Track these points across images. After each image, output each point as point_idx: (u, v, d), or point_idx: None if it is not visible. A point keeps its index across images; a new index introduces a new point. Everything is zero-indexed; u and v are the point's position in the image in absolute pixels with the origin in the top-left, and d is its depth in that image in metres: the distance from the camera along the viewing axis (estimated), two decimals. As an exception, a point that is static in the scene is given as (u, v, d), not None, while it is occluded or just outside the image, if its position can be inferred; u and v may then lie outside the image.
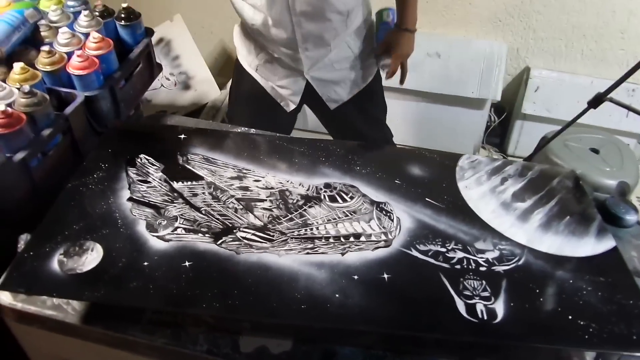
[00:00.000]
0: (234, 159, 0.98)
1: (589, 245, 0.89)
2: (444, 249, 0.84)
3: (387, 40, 1.40)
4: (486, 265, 0.82)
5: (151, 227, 0.80)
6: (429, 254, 0.83)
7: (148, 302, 0.71)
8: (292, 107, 1.46)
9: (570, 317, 0.75)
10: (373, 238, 0.84)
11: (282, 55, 1.36)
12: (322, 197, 0.91)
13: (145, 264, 0.74)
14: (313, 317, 0.71)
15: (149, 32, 1.27)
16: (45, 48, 1.04)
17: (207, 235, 0.80)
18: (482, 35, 2.40)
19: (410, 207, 0.92)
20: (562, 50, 2.37)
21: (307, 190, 0.92)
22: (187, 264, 0.75)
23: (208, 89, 2.02)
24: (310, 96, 1.45)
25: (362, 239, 0.84)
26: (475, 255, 0.83)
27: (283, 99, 1.45)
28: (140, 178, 0.91)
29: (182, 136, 1.03)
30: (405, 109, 2.45)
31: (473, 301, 0.76)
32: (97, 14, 1.19)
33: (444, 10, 2.37)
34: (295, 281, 0.75)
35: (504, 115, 2.55)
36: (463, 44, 2.36)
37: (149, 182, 0.90)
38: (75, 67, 1.04)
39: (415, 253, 0.82)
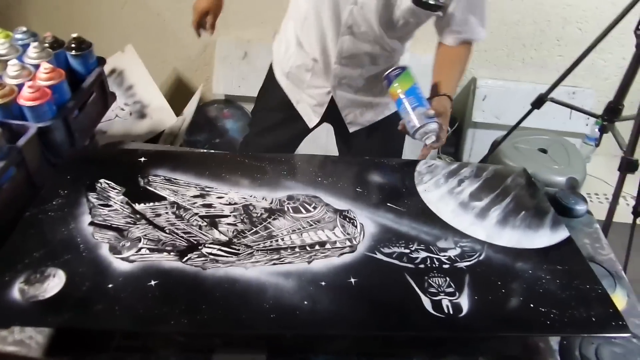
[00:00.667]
0: (196, 178, 0.98)
1: (545, 237, 0.93)
2: (407, 250, 0.86)
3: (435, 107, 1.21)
4: (449, 262, 0.85)
5: (114, 250, 0.79)
6: (394, 256, 0.85)
7: (115, 324, 0.70)
8: (315, 121, 1.44)
9: (531, 305, 0.78)
10: (338, 245, 0.86)
11: (316, 60, 1.34)
12: (286, 209, 0.92)
13: (110, 285, 0.73)
14: (283, 325, 0.72)
15: (101, 61, 1.27)
16: (-6, 81, 1.03)
17: (172, 253, 0.80)
18: (429, 50, 2.49)
19: (372, 212, 0.94)
20: (505, 60, 2.49)
21: (271, 203, 0.93)
22: (152, 283, 0.74)
23: (164, 117, 2.02)
24: (332, 114, 1.42)
25: (328, 246, 0.85)
26: (437, 254, 0.86)
27: (306, 113, 1.44)
28: (101, 202, 0.90)
29: (142, 159, 1.02)
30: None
31: (438, 297, 0.78)
32: (46, 45, 1.18)
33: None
34: (263, 292, 0.75)
35: (456, 124, 2.64)
36: (412, 58, 2.44)
37: (110, 205, 0.89)
38: (26, 98, 1.02)
39: (380, 256, 0.84)
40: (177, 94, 2.57)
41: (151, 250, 0.80)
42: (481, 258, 0.87)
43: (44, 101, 1.04)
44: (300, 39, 1.34)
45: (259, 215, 0.90)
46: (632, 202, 1.75)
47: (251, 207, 0.91)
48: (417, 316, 0.75)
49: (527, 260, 0.87)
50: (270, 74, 1.48)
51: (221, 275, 0.77)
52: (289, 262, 0.81)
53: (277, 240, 0.85)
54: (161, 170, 0.99)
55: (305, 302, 0.74)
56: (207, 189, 0.95)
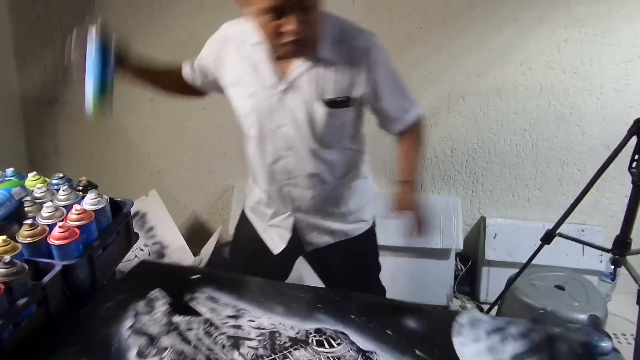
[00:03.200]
0: (236, 299, 1.04)
1: None
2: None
3: (396, 198, 1.35)
4: None
5: (141, 354, 0.85)
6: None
7: None
8: (280, 248, 1.48)
9: None
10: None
11: (268, 201, 1.45)
12: (310, 340, 0.92)
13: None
14: None
15: (127, 202, 1.35)
16: (28, 222, 1.09)
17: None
18: (436, 191, 2.61)
19: (397, 358, 0.92)
20: (511, 200, 2.58)
21: (297, 333, 0.94)
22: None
23: (183, 257, 2.06)
24: (295, 239, 1.47)
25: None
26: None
27: (272, 240, 1.50)
28: (146, 310, 0.97)
29: (195, 276, 1.11)
30: (375, 264, 2.52)
31: None
32: (80, 188, 1.28)
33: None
34: None
35: (470, 263, 2.64)
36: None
37: (152, 314, 0.96)
38: (56, 237, 1.08)
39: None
40: (196, 235, 2.66)
41: (172, 361, 0.82)
42: None
43: (72, 240, 1.09)
44: (254, 175, 1.47)
45: (282, 343, 0.91)
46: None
47: (277, 334, 0.93)
48: None
49: None
50: (242, 212, 1.60)
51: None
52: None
53: (291, 371, 0.84)
54: (208, 289, 1.07)
55: None
56: (242, 311, 1.00)
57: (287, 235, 1.47)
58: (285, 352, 0.88)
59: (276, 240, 1.50)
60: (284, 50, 1.18)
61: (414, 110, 1.37)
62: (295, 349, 0.90)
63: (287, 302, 1.04)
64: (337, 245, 1.49)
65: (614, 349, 1.13)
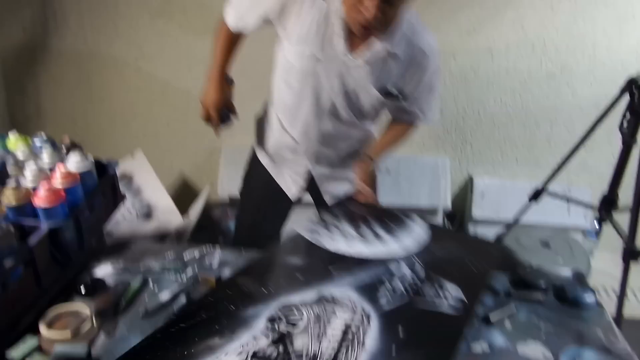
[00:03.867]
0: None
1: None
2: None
3: (356, 169, 1.44)
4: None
5: None
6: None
7: None
8: (294, 192, 1.56)
9: None
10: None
11: (297, 141, 1.47)
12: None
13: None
14: None
15: (113, 163, 1.33)
16: (12, 184, 1.07)
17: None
18: (426, 151, 2.60)
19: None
20: (499, 159, 2.59)
21: None
22: None
23: (171, 218, 2.05)
24: (312, 188, 1.56)
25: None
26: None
27: (286, 185, 1.56)
28: None
29: None
30: (364, 224, 2.54)
31: None
32: (64, 149, 1.25)
33: (388, 132, 2.58)
34: None
35: (457, 221, 2.67)
36: (409, 160, 2.55)
37: None
38: (41, 199, 1.06)
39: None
40: (183, 196, 2.64)
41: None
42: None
43: (58, 203, 1.07)
44: (283, 123, 1.48)
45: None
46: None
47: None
48: None
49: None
50: (253, 156, 1.62)
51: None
52: None
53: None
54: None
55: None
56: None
57: (301, 182, 1.54)
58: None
59: (290, 185, 1.56)
60: (356, 29, 1.21)
61: (428, 116, 1.46)
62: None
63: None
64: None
65: (598, 303, 1.16)
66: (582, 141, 1.75)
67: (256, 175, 1.62)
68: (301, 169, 1.53)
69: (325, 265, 1.09)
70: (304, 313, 0.93)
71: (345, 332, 0.88)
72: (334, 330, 0.88)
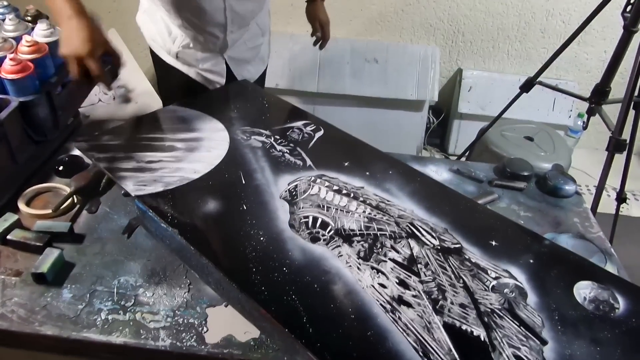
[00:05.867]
0: None
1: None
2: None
3: (313, 16, 1.54)
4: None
5: None
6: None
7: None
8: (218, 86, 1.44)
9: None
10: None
11: (206, 37, 1.34)
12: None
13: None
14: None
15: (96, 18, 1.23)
16: (-27, 53, 0.99)
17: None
18: (416, 40, 2.50)
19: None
20: (490, 51, 2.51)
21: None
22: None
23: (150, 101, 1.97)
24: (229, 77, 1.44)
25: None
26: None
27: (210, 83, 1.45)
28: None
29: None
30: (347, 114, 2.50)
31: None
32: (28, 18, 1.15)
33: (378, 18, 2.45)
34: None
35: (442, 116, 2.65)
36: (398, 49, 2.45)
37: None
38: (7, 71, 0.99)
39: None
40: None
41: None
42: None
43: (26, 74, 1.00)
44: (183, 24, 1.32)
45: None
46: (614, 194, 1.78)
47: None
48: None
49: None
50: (159, 61, 1.46)
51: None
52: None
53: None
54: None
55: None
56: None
57: (223, 74, 1.42)
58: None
59: (213, 81, 1.44)
60: None
61: None
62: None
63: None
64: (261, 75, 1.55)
65: (577, 192, 1.19)
66: (578, 32, 1.68)
67: (173, 82, 1.48)
68: (216, 62, 1.40)
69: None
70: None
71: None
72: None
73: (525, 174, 1.20)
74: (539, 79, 1.73)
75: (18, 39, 1.07)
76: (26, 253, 0.88)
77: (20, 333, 0.77)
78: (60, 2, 0.95)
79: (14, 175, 1.02)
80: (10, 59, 0.99)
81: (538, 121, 2.40)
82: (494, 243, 0.84)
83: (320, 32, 1.56)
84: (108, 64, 1.03)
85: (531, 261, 0.82)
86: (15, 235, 0.89)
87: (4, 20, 1.13)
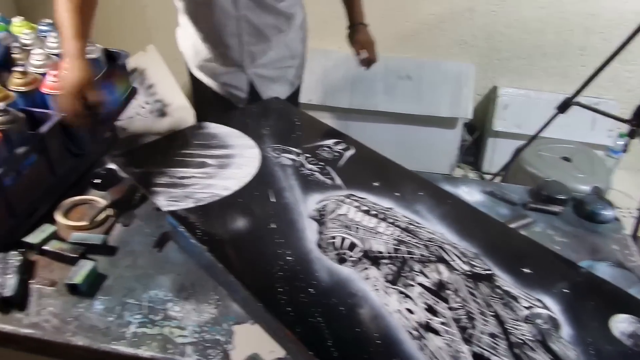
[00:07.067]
0: None
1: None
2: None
3: (358, 39, 1.52)
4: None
5: None
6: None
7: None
8: (242, 103, 1.47)
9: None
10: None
11: (224, 50, 1.37)
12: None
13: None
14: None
15: (123, 53, 1.28)
16: (19, 69, 1.03)
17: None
18: (450, 57, 2.48)
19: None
20: (527, 69, 2.46)
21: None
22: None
23: (185, 115, 2.02)
24: (254, 95, 1.46)
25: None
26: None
27: (233, 97, 1.47)
28: None
29: None
30: (380, 131, 2.49)
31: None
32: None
33: (412, 35, 2.44)
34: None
35: (477, 133, 2.61)
36: (432, 66, 2.44)
37: None
38: (50, 87, 1.03)
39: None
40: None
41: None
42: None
43: (68, 90, 1.04)
44: (204, 36, 1.36)
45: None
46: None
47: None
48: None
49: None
50: (191, 74, 1.53)
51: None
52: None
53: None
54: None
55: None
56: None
57: (245, 89, 1.44)
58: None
59: (234, 95, 1.46)
60: None
61: None
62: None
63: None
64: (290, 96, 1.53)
65: (616, 218, 1.14)
66: (620, 50, 1.63)
67: (201, 95, 1.53)
68: (237, 72, 1.42)
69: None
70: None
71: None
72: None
73: (562, 197, 1.17)
74: (576, 99, 1.69)
75: (59, 55, 1.11)
76: (61, 263, 0.91)
77: (53, 342, 0.78)
78: (69, 39, 0.99)
79: (53, 187, 1.05)
80: (53, 75, 1.03)
81: (576, 140, 2.33)
82: (527, 270, 0.82)
83: (368, 53, 1.53)
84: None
85: (566, 291, 0.79)
86: (51, 246, 0.92)
87: (46, 37, 1.18)
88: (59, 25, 1.01)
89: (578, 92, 1.70)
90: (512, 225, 1.06)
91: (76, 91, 0.97)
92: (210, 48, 1.39)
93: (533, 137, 1.85)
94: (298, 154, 1.06)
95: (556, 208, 1.14)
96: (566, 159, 1.97)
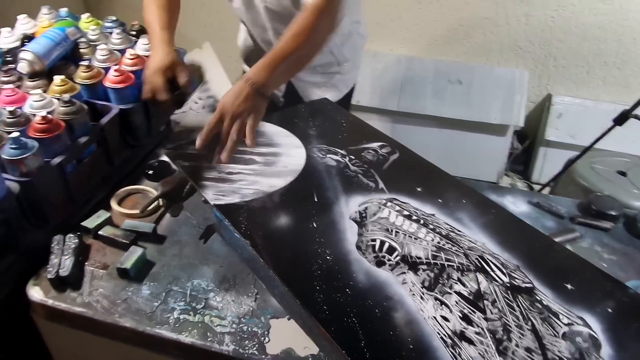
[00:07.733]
0: None
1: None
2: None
3: None
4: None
5: None
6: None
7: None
8: (280, 104, 1.50)
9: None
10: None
11: (267, 47, 1.40)
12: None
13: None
14: None
15: (181, 51, 1.32)
16: (85, 63, 1.10)
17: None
18: (503, 63, 2.42)
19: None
20: (584, 77, 2.37)
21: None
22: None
23: (234, 113, 2.08)
24: (293, 96, 1.48)
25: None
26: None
27: (273, 95, 1.49)
28: None
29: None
30: (428, 135, 2.47)
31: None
32: (133, 33, 1.25)
33: (464, 39, 2.41)
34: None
35: (528, 142, 2.54)
36: (484, 71, 2.39)
37: None
38: (112, 81, 1.09)
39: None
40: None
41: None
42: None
43: (128, 85, 1.09)
44: (250, 34, 1.44)
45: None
46: None
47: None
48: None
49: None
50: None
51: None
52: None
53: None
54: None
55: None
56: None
57: (280, 95, 1.48)
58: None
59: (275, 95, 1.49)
60: None
61: None
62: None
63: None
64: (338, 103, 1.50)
65: (672, 238, 1.09)
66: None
67: None
68: None
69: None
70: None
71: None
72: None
73: (613, 213, 1.13)
74: (634, 112, 1.62)
75: (122, 52, 1.17)
76: (114, 248, 0.96)
77: (102, 322, 0.83)
78: (158, 30, 1.14)
79: (110, 175, 1.11)
80: (115, 70, 1.09)
81: (633, 154, 2.23)
82: (569, 286, 0.80)
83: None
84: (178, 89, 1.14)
85: (610, 310, 0.77)
86: (106, 231, 0.97)
87: (111, 33, 1.25)
88: (148, 22, 1.17)
89: (638, 104, 1.62)
90: (558, 239, 1.03)
91: (162, 70, 1.09)
92: (255, 45, 1.45)
93: (587, 149, 1.79)
94: (343, 156, 1.08)
95: (606, 224, 1.11)
96: (621, 173, 1.89)
